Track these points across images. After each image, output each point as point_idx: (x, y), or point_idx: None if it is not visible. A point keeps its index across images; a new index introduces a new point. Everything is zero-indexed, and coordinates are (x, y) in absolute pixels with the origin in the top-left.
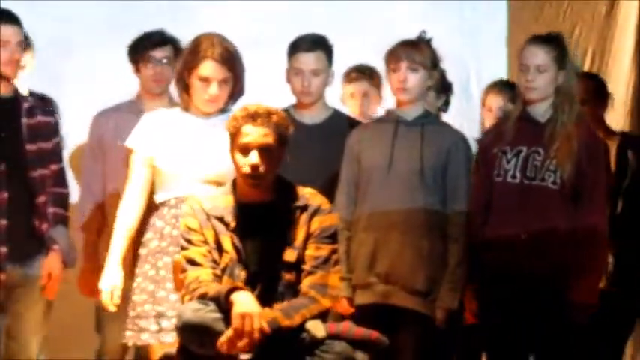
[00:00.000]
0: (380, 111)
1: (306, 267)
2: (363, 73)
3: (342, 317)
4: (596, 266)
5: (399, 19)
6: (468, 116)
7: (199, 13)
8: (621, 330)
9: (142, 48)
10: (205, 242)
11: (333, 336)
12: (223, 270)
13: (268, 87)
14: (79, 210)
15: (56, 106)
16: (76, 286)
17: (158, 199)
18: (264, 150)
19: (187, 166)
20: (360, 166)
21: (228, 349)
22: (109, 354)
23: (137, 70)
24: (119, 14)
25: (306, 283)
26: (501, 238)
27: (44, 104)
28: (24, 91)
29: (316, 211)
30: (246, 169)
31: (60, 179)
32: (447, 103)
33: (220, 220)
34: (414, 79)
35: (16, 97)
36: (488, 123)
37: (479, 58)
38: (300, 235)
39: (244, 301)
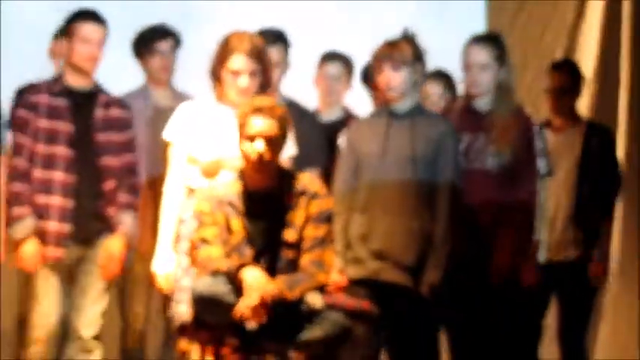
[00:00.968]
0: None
1: (305, 246)
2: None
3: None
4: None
5: (387, 21)
6: None
7: (201, 13)
8: (586, 300)
9: (147, 41)
10: (216, 224)
11: (329, 306)
12: (232, 248)
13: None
14: None
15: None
16: None
17: (195, 185)
18: (269, 139)
19: (222, 154)
20: (359, 156)
21: (242, 319)
22: (134, 332)
23: (143, 62)
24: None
25: (305, 260)
26: None
27: (120, 99)
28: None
29: (314, 196)
30: (253, 156)
31: (132, 169)
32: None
33: (230, 204)
34: (398, 78)
35: (94, 91)
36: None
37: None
38: (299, 217)
39: (254, 277)
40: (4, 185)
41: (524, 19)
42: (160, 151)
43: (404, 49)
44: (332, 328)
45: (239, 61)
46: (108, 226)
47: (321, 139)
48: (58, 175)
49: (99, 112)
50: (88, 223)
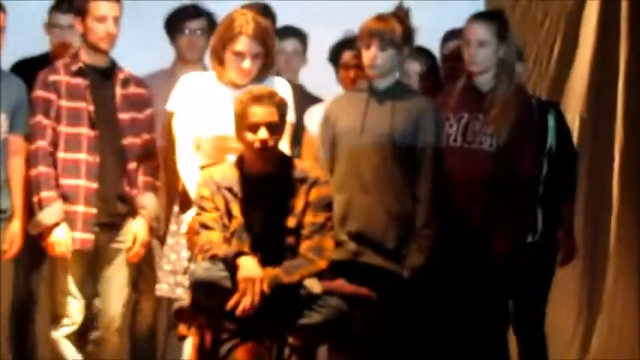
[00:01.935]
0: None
1: (305, 232)
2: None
3: None
4: (517, 219)
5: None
6: None
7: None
8: (544, 279)
9: (178, 19)
10: (216, 209)
11: (327, 292)
12: (232, 234)
13: None
14: None
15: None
16: None
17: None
18: (270, 126)
19: (223, 132)
20: (335, 132)
21: (235, 308)
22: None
23: (172, 40)
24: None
25: (304, 246)
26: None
27: (137, 77)
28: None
29: (314, 183)
30: (257, 144)
31: (151, 149)
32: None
33: (229, 189)
34: (384, 58)
35: (112, 68)
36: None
37: None
38: (299, 203)
39: (248, 266)
40: (22, 169)
41: (523, 10)
42: None
43: (395, 29)
44: (331, 314)
45: (243, 43)
46: (131, 209)
47: None
48: (83, 157)
49: (118, 90)
50: (113, 206)
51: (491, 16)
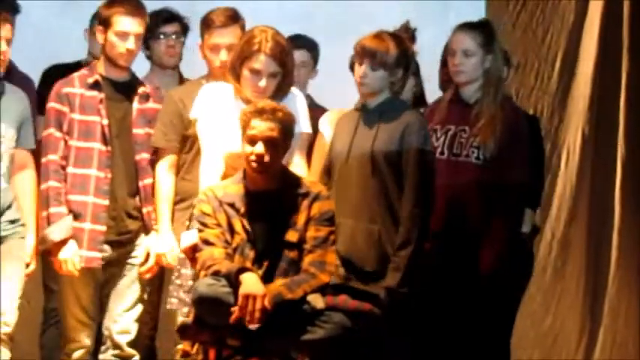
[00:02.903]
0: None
1: (307, 246)
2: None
3: None
4: (504, 229)
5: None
6: None
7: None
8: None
9: (152, 25)
10: (218, 225)
11: (331, 307)
12: (235, 249)
13: None
14: None
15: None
16: None
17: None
18: (269, 142)
19: (227, 147)
20: (331, 156)
21: (238, 324)
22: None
23: (147, 47)
24: None
25: (306, 261)
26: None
27: (157, 91)
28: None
29: (316, 197)
30: (252, 158)
31: None
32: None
33: (231, 205)
34: (373, 77)
35: (132, 82)
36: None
37: None
38: (301, 218)
39: (250, 283)
40: (30, 184)
41: (524, 26)
42: None
43: (389, 50)
44: (334, 329)
45: (260, 62)
46: (143, 225)
47: None
48: (93, 173)
49: (135, 105)
50: (123, 223)
51: (476, 26)
